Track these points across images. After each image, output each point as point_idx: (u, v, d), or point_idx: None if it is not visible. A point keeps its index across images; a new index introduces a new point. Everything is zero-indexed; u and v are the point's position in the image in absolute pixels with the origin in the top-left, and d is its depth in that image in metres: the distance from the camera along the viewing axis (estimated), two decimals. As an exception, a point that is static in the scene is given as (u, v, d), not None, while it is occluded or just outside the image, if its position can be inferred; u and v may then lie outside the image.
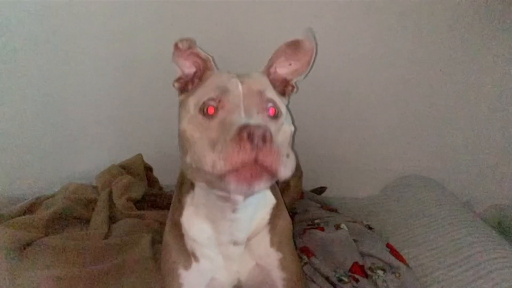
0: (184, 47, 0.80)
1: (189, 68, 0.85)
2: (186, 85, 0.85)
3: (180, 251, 0.86)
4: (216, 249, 0.84)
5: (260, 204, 0.87)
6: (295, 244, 1.00)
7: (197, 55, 0.82)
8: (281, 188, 1.36)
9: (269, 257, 0.89)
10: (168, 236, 0.89)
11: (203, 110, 0.72)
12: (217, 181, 0.64)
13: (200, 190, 0.81)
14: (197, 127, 0.71)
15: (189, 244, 0.85)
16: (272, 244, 0.89)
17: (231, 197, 0.70)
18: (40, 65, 1.74)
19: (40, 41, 1.71)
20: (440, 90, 1.69)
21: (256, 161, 0.59)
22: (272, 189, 0.94)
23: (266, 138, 0.60)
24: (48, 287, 0.98)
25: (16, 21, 1.68)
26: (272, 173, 0.62)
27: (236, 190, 0.63)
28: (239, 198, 0.70)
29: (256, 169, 0.60)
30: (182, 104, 0.81)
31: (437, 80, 1.68)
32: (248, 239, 0.86)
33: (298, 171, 1.41)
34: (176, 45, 0.80)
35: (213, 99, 0.72)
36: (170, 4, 1.66)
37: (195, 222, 0.83)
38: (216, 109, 0.71)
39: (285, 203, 1.36)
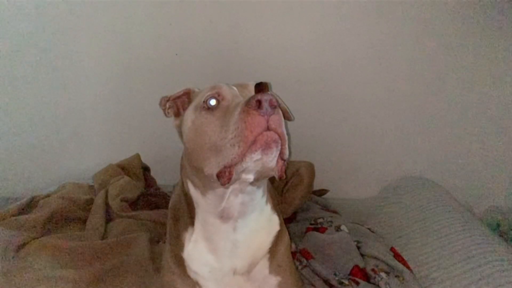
0: (164, 104, 0.87)
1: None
2: (178, 110, 0.89)
3: (186, 282, 0.87)
4: (217, 283, 0.84)
5: (261, 227, 0.87)
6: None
7: (177, 98, 0.87)
8: (293, 183, 1.35)
9: (267, 284, 0.88)
10: (174, 266, 0.89)
11: (205, 106, 0.73)
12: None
13: (202, 213, 0.81)
14: (203, 123, 0.72)
15: (193, 276, 0.86)
16: (270, 270, 0.89)
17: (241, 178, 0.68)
18: (38, 65, 1.73)
19: (39, 41, 1.70)
20: (440, 93, 1.69)
21: (268, 127, 0.61)
22: (278, 214, 0.93)
23: (273, 103, 0.61)
24: (44, 288, 0.97)
25: (15, 21, 1.67)
26: (282, 139, 0.63)
27: (257, 160, 0.63)
28: (250, 178, 0.68)
29: (271, 135, 0.62)
30: (180, 124, 0.85)
31: (437, 83, 1.68)
32: (249, 271, 0.86)
33: (311, 167, 1.39)
34: (161, 108, 0.88)
35: (212, 95, 0.74)
36: (168, 5, 1.66)
37: (197, 256, 0.84)
38: (218, 102, 0.73)
39: (297, 198, 1.34)
